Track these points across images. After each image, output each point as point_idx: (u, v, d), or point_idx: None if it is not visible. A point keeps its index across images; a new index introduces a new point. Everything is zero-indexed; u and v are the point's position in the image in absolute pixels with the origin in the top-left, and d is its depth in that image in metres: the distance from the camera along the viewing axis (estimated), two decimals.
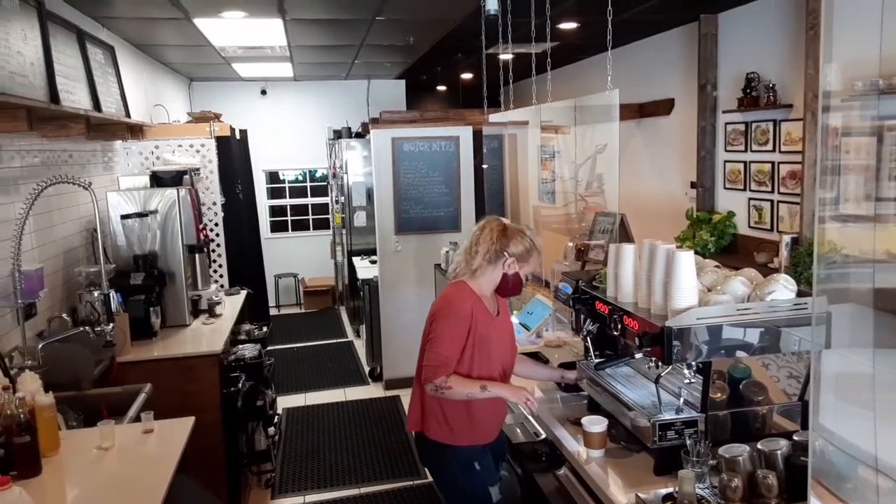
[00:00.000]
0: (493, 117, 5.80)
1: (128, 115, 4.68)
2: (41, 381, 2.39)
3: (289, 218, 9.46)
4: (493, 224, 2.53)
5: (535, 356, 3.33)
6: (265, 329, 4.55)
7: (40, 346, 2.92)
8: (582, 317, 2.65)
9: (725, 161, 5.42)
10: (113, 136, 4.40)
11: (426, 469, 2.69)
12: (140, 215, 3.89)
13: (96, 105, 4.03)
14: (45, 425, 2.25)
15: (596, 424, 2.28)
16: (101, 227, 3.26)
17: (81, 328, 3.15)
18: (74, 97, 3.73)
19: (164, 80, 7.12)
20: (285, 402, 5.68)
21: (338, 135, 7.73)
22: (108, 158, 4.67)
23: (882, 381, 1.43)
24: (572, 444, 2.38)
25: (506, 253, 2.46)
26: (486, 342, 2.47)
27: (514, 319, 3.71)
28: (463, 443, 2.48)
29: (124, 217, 3.87)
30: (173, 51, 6.34)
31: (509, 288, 2.53)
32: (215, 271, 5.20)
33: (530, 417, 2.78)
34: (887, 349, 1.44)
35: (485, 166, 6.26)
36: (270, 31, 5.41)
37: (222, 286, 5.17)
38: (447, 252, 5.11)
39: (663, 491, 1.95)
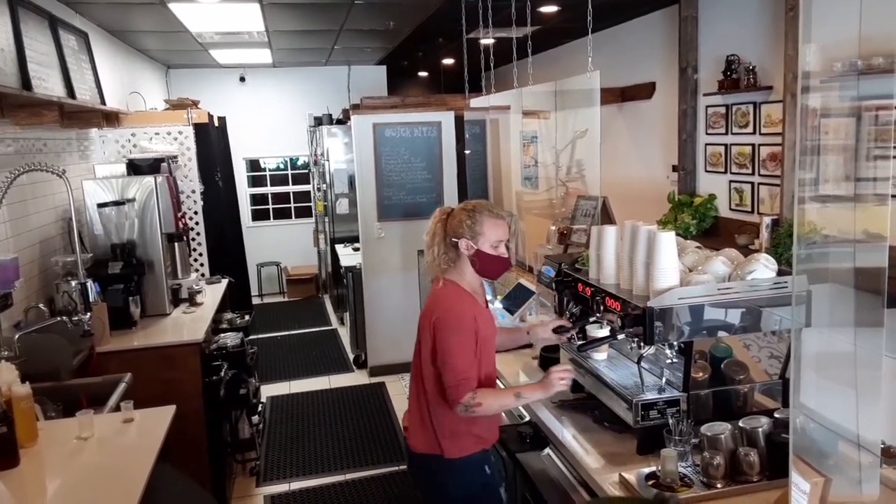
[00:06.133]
0: (475, 102, 5.78)
1: (103, 102, 4.59)
2: (18, 371, 2.35)
3: (270, 206, 9.39)
4: (437, 216, 2.35)
5: None
6: (247, 318, 4.52)
7: (17, 336, 2.87)
8: (565, 299, 2.65)
9: (706, 144, 5.45)
10: (88, 123, 4.33)
11: (424, 490, 2.46)
12: (117, 203, 3.83)
13: (70, 92, 3.96)
14: (22, 416, 2.22)
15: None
16: (78, 215, 3.20)
17: (59, 318, 3.10)
18: (47, 84, 3.65)
19: (141, 67, 7.00)
20: (269, 390, 5.66)
21: (318, 122, 7.66)
22: (83, 147, 4.59)
23: (862, 358, 1.44)
24: (556, 426, 2.39)
25: (453, 240, 2.28)
26: (488, 341, 2.34)
27: (497, 304, 3.71)
28: (474, 450, 2.31)
29: (101, 205, 3.81)
30: (149, 37, 6.23)
31: (486, 268, 2.31)
32: (195, 260, 5.15)
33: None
34: (866, 327, 1.44)
35: (467, 152, 6.24)
36: (248, 15, 5.33)
37: (203, 275, 5.12)
38: None
39: (646, 470, 1.96)
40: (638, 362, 2.22)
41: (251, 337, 4.67)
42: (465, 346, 2.21)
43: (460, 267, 2.32)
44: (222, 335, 4.04)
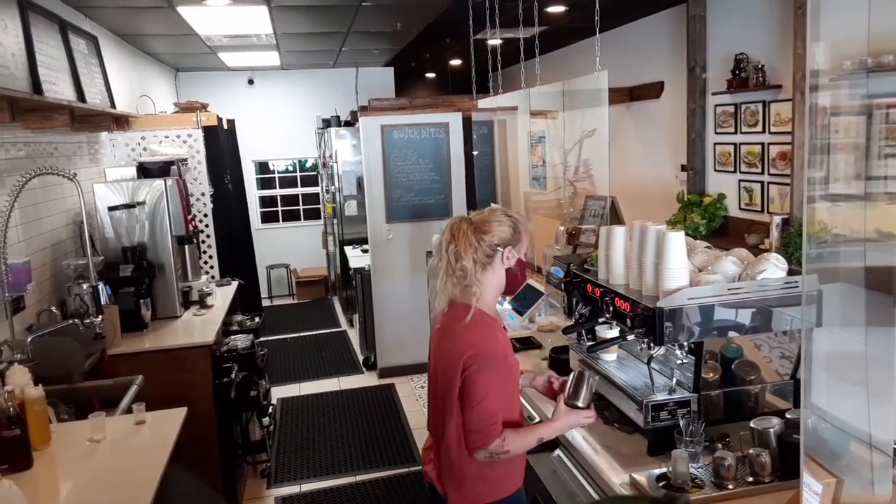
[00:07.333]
0: (483, 103, 5.78)
1: (113, 105, 4.62)
2: (31, 374, 2.37)
3: (279, 208, 9.41)
4: (462, 225, 2.00)
5: (528, 341, 3.33)
6: (257, 320, 4.53)
7: (29, 339, 2.90)
8: (574, 300, 2.64)
9: (715, 143, 5.42)
10: (98, 127, 4.35)
11: None
12: (128, 207, 3.85)
13: (80, 96, 3.99)
14: (35, 418, 2.24)
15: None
16: (89, 219, 3.23)
17: (71, 321, 3.12)
18: (58, 88, 3.68)
19: (150, 70, 7.04)
20: (280, 392, 5.68)
21: (327, 123, 7.68)
22: (94, 150, 4.62)
23: (873, 358, 1.43)
24: None
25: (497, 248, 1.99)
26: (515, 371, 2.06)
27: (507, 305, 3.70)
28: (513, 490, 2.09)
29: (112, 209, 3.84)
30: (158, 40, 6.27)
31: (516, 281, 2.08)
32: (206, 262, 5.17)
33: (526, 405, 2.78)
34: (878, 326, 1.43)
35: (475, 152, 6.24)
36: (256, 18, 5.35)
37: (213, 277, 5.14)
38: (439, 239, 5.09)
39: (657, 471, 1.95)
40: (648, 363, 2.22)
41: (261, 339, 4.68)
42: (498, 386, 1.94)
43: (484, 284, 1.99)
44: (232, 337, 4.06)
